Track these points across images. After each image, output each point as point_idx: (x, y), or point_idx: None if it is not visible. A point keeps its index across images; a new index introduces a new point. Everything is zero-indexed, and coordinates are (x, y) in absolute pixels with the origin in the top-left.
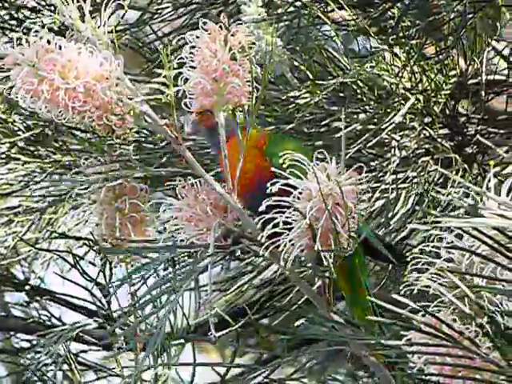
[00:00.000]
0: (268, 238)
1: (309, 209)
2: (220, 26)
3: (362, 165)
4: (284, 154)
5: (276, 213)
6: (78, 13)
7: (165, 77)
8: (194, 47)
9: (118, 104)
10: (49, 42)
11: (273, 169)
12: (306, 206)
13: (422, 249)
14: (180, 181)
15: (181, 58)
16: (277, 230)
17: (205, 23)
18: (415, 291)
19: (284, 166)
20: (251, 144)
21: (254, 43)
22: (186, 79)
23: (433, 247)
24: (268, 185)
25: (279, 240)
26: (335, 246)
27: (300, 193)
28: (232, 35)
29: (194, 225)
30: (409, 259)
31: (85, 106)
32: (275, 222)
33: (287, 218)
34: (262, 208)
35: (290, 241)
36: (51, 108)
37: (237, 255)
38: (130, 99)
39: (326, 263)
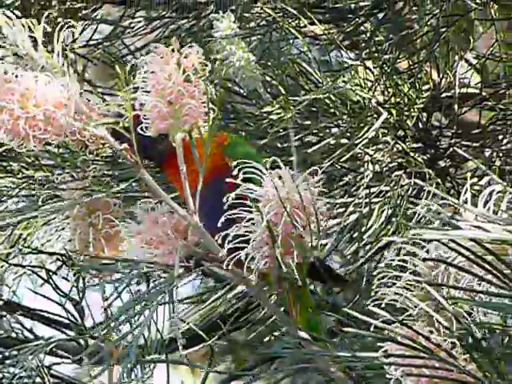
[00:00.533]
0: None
1: (265, 212)
2: (172, 49)
3: (317, 168)
4: (238, 164)
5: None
6: (31, 41)
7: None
8: (146, 72)
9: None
10: (5, 72)
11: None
12: (263, 211)
13: (388, 263)
14: (142, 202)
15: (134, 83)
16: (237, 245)
17: (156, 47)
18: (383, 305)
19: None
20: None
21: (226, 59)
22: (141, 104)
23: (399, 261)
24: (224, 200)
25: (239, 254)
26: (298, 248)
27: (256, 200)
28: (185, 57)
29: (154, 247)
30: (376, 273)
31: (45, 134)
32: (234, 233)
33: (245, 227)
34: (219, 224)
35: (251, 251)
36: (13, 137)
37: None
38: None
39: (288, 270)
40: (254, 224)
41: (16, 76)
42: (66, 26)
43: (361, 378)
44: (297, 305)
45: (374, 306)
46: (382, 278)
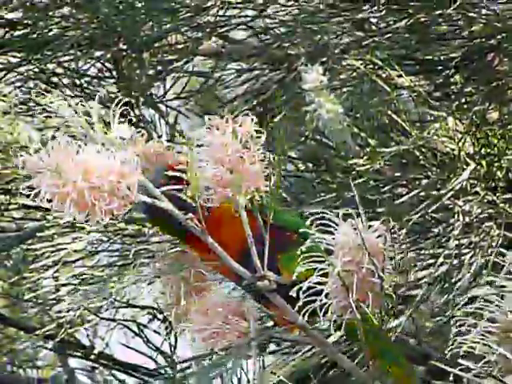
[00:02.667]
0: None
1: (339, 260)
2: (226, 119)
3: (389, 218)
4: (311, 217)
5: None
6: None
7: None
8: (204, 143)
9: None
10: (68, 145)
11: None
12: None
13: (465, 310)
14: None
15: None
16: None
17: (210, 119)
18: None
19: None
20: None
21: (315, 111)
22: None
23: (475, 308)
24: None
25: (314, 305)
26: (381, 294)
27: (330, 251)
28: (240, 125)
29: (221, 338)
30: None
31: (111, 205)
32: (310, 281)
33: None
34: (293, 293)
35: (325, 298)
36: (79, 210)
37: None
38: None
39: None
40: (326, 275)
41: (78, 149)
42: (122, 102)
43: None
44: (376, 354)
45: (452, 355)
46: (460, 325)
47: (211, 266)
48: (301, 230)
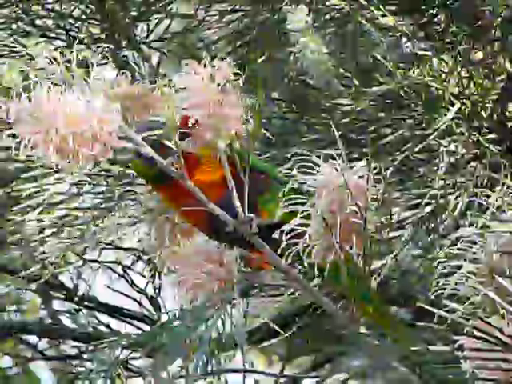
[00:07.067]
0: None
1: (322, 200)
2: (204, 64)
3: (370, 158)
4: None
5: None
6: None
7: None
8: (182, 88)
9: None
10: (48, 92)
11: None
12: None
13: (448, 252)
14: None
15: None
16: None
17: (187, 64)
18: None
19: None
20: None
21: (299, 52)
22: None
23: (459, 249)
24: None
25: (297, 248)
26: (364, 235)
27: (311, 192)
28: (217, 69)
29: (204, 289)
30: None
31: (93, 151)
32: (293, 225)
33: (302, 220)
34: (276, 235)
35: (308, 239)
36: (61, 156)
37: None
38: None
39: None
40: (308, 217)
41: (59, 96)
42: (100, 49)
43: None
44: (357, 297)
45: (436, 296)
46: (443, 267)
47: (183, 217)
48: (276, 174)
